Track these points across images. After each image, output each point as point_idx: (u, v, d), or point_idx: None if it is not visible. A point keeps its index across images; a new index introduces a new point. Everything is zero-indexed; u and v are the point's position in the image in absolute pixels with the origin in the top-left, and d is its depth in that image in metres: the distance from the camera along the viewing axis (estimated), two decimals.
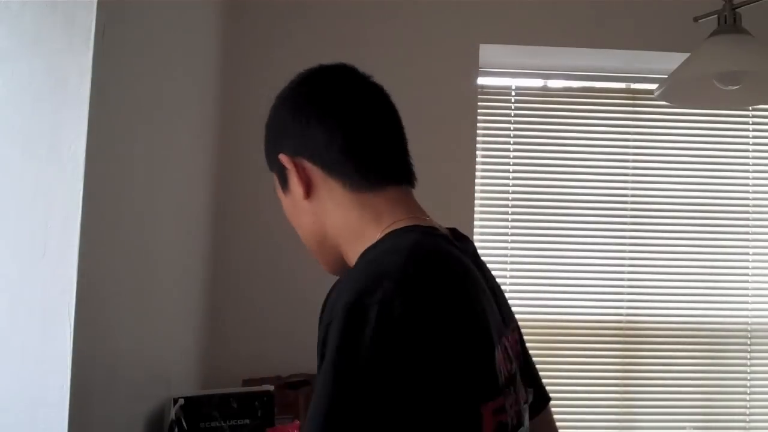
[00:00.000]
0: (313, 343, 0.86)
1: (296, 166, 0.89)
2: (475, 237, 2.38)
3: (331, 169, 0.89)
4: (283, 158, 0.90)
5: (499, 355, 0.83)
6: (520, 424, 0.87)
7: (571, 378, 2.47)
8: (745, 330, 2.53)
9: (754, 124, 2.59)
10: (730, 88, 1.82)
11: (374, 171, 0.89)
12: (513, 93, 2.55)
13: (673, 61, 1.96)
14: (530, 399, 0.98)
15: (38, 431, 0.98)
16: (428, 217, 0.93)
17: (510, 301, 1.03)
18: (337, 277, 0.91)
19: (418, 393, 0.73)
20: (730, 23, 1.80)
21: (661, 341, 2.51)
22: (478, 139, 2.41)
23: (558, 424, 1.15)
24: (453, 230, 0.96)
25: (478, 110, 2.41)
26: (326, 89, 0.93)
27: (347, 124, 0.89)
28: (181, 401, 1.48)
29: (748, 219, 2.56)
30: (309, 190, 0.90)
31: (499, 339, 0.85)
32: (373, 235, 0.88)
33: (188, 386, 1.89)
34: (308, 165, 0.90)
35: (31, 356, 0.99)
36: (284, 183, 0.94)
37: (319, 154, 0.89)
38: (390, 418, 0.72)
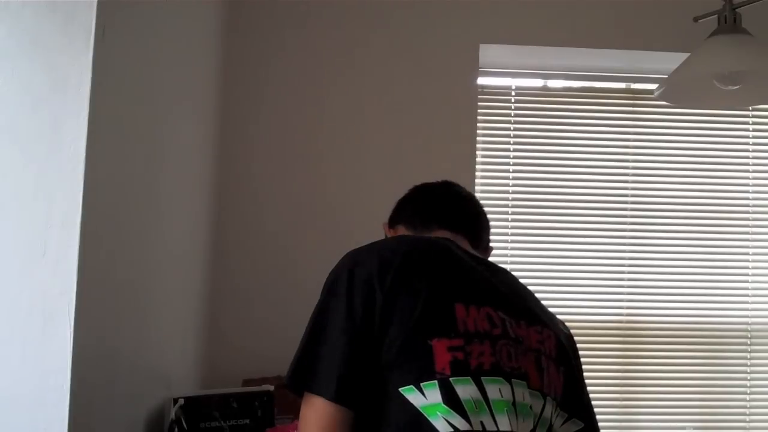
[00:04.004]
0: None
1: (390, 230, 1.34)
2: None
3: (407, 223, 1.31)
4: (384, 226, 1.36)
5: (462, 310, 1.02)
6: (497, 372, 1.01)
7: None
8: (745, 330, 2.53)
9: (754, 124, 2.59)
10: (730, 88, 1.82)
11: (430, 220, 1.28)
12: (513, 93, 2.55)
13: (673, 61, 1.96)
14: (573, 428, 1.13)
15: (38, 431, 0.98)
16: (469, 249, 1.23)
17: None
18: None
19: (376, 319, 0.99)
20: (730, 23, 1.80)
21: (661, 341, 2.51)
22: (478, 139, 2.41)
23: None
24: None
25: (478, 110, 2.41)
26: (419, 191, 1.38)
27: (417, 202, 1.35)
28: (181, 401, 1.48)
29: (748, 219, 2.56)
30: None
31: (471, 303, 1.04)
32: None
33: (188, 386, 1.89)
34: (398, 227, 1.32)
35: (31, 356, 0.99)
36: None
37: (404, 218, 1.33)
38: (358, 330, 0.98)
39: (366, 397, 0.97)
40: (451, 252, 1.11)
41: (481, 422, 0.96)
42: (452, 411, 0.95)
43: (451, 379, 0.96)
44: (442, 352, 0.98)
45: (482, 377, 0.98)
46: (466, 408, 0.95)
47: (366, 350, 0.98)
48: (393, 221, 1.35)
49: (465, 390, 0.96)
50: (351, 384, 0.97)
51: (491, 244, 1.36)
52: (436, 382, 0.96)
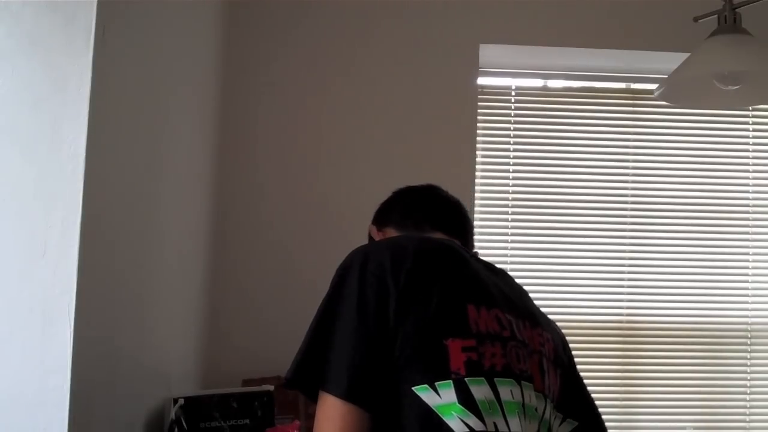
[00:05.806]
0: None
1: (378, 232, 1.34)
2: (475, 237, 2.38)
3: (397, 225, 1.32)
4: (372, 228, 1.35)
5: (474, 311, 1.02)
6: (509, 373, 1.01)
7: None
8: (745, 330, 2.53)
9: (754, 124, 2.59)
10: (730, 88, 1.82)
11: (422, 222, 1.29)
12: (513, 93, 2.55)
13: (673, 61, 1.96)
14: (568, 428, 1.13)
15: (38, 431, 0.98)
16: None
17: None
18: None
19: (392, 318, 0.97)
20: (730, 23, 1.80)
21: (661, 341, 2.51)
22: (478, 139, 2.41)
23: None
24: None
25: (478, 110, 2.41)
26: (405, 194, 1.39)
27: (406, 204, 1.35)
28: (181, 401, 1.48)
29: (748, 219, 2.56)
30: None
31: (482, 304, 1.04)
32: None
33: (188, 386, 1.89)
34: (387, 229, 1.32)
35: (31, 356, 0.99)
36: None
37: (393, 219, 1.33)
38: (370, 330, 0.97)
39: (379, 396, 0.95)
40: (458, 253, 1.10)
41: (494, 423, 0.96)
42: (467, 411, 0.94)
43: (466, 379, 0.96)
44: (456, 352, 0.97)
45: (495, 378, 0.98)
46: (480, 408, 0.95)
47: (378, 347, 0.96)
48: (381, 223, 1.34)
49: (479, 390, 0.96)
50: (363, 381, 0.95)
51: (475, 250, 1.36)
52: (451, 381, 0.96)
